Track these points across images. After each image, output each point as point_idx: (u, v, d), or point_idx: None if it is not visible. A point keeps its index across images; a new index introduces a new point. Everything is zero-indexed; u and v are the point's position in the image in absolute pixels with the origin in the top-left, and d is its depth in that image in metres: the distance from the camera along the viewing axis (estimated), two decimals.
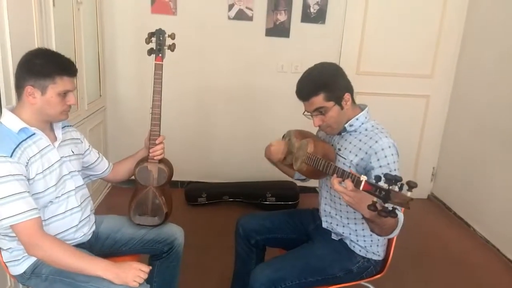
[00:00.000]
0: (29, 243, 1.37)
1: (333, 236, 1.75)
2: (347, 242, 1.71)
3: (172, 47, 1.78)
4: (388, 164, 1.52)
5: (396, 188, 1.13)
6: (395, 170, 1.51)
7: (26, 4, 1.99)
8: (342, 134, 1.68)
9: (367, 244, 1.67)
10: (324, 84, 1.58)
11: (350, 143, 1.63)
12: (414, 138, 3.65)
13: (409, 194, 1.12)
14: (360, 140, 1.61)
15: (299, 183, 1.98)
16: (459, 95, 3.47)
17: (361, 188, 1.22)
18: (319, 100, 1.58)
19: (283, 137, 1.93)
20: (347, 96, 1.60)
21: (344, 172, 1.34)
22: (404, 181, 1.13)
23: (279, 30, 3.33)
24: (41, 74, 1.41)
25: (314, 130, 1.86)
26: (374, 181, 1.18)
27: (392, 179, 1.13)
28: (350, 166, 1.59)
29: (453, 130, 3.54)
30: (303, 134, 1.79)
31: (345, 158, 1.62)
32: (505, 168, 2.87)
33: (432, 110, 3.60)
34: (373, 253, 1.68)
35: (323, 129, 1.68)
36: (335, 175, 1.36)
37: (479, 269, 2.70)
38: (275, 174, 3.57)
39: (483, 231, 3.09)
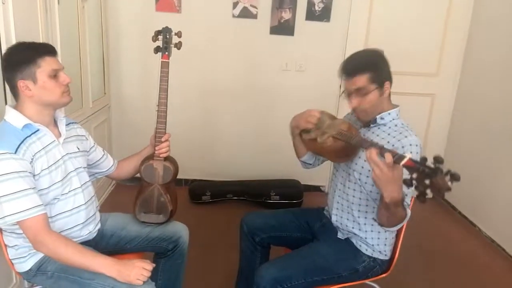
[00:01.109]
0: (35, 240, 1.37)
1: (339, 235, 1.75)
2: (354, 241, 1.70)
3: (178, 45, 1.78)
4: None
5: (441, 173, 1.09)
6: None
7: (31, 2, 1.99)
8: (371, 126, 1.66)
9: (375, 242, 1.67)
10: (373, 64, 1.58)
11: (377, 135, 1.62)
12: (419, 137, 3.60)
13: (449, 183, 1.08)
14: (389, 134, 1.60)
15: (302, 167, 1.95)
16: (465, 93, 3.45)
17: (402, 163, 1.17)
18: (363, 79, 1.56)
19: None
20: (387, 84, 1.60)
21: (383, 146, 1.30)
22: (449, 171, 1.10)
23: (283, 28, 3.32)
24: (23, 63, 1.41)
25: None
26: (419, 160, 1.15)
27: (441, 161, 1.09)
28: None
29: (459, 129, 3.52)
30: (335, 118, 1.76)
31: None
32: (511, 167, 2.85)
33: (438, 108, 3.58)
34: (380, 252, 1.68)
35: (357, 113, 1.65)
36: (372, 147, 1.30)
37: (484, 269, 2.69)
38: (279, 173, 3.59)
39: (488, 231, 3.07)
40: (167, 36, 1.76)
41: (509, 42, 2.93)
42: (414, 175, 1.14)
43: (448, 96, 3.55)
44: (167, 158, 1.78)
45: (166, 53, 1.75)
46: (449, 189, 1.08)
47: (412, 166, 1.16)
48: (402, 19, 3.34)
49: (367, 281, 1.73)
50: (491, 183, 3.05)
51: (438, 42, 3.41)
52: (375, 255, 1.68)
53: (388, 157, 1.22)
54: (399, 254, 1.73)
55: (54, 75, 1.45)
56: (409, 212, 1.48)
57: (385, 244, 1.68)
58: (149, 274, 1.42)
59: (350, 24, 3.33)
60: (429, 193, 1.13)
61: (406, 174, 1.19)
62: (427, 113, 3.59)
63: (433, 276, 2.55)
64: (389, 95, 1.66)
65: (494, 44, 3.10)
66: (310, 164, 1.91)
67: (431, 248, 2.87)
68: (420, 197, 1.12)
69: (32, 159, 1.39)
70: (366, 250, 1.68)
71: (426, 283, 2.49)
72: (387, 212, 1.40)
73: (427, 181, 1.11)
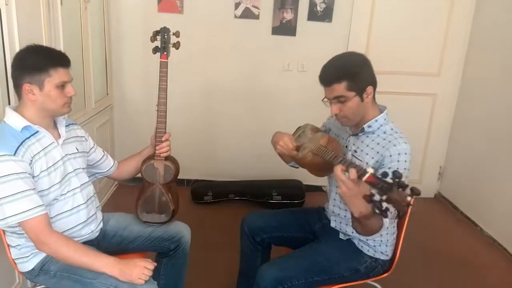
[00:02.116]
0: (37, 240, 1.38)
1: (341, 236, 1.75)
2: (355, 242, 1.70)
3: (177, 45, 1.78)
4: (398, 169, 1.50)
5: (398, 188, 1.10)
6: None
7: (34, 3, 2.00)
8: (359, 135, 1.64)
9: (376, 243, 1.67)
10: (349, 73, 1.55)
11: (367, 145, 1.60)
12: (421, 137, 3.63)
13: (409, 198, 1.08)
14: (378, 143, 1.57)
15: (294, 170, 1.96)
16: (466, 93, 3.44)
17: (364, 178, 1.19)
18: (340, 88, 1.54)
19: (297, 129, 1.89)
20: (369, 89, 1.57)
21: (351, 162, 1.32)
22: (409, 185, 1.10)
23: (285, 28, 3.33)
24: (35, 69, 1.42)
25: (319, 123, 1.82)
26: (380, 175, 1.15)
27: (399, 177, 1.10)
28: None
29: (460, 129, 3.52)
30: (318, 130, 1.77)
31: (361, 160, 1.59)
32: None
33: (439, 108, 3.58)
34: (381, 252, 1.68)
35: (339, 119, 1.64)
36: (339, 164, 1.33)
37: (486, 268, 2.68)
38: (281, 173, 3.59)
39: (490, 230, 3.07)
40: (165, 36, 1.77)
41: (510, 42, 2.92)
42: (374, 191, 1.14)
43: (450, 96, 3.54)
44: (167, 158, 1.78)
45: (165, 53, 1.76)
46: (409, 204, 1.08)
47: (373, 181, 1.16)
48: (404, 19, 3.33)
49: (368, 281, 1.73)
50: (493, 183, 3.04)
51: (440, 42, 3.41)
52: (377, 255, 1.68)
53: (352, 173, 1.24)
54: (400, 253, 1.73)
55: (61, 86, 1.46)
56: (386, 221, 1.45)
57: (386, 245, 1.68)
58: (150, 273, 1.43)
59: (352, 24, 3.33)
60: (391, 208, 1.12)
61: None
62: (429, 113, 3.59)
63: (434, 276, 2.55)
64: (373, 98, 1.63)
65: (495, 45, 3.10)
66: (297, 168, 1.90)
67: (433, 248, 2.87)
68: (382, 213, 1.12)
69: (31, 160, 1.40)
70: (368, 251, 1.68)
71: (427, 282, 2.49)
72: (359, 225, 1.40)
73: (383, 197, 1.11)
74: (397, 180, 1.10)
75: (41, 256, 1.52)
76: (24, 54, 1.47)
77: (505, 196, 2.91)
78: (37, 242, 1.39)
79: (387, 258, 1.71)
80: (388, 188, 1.11)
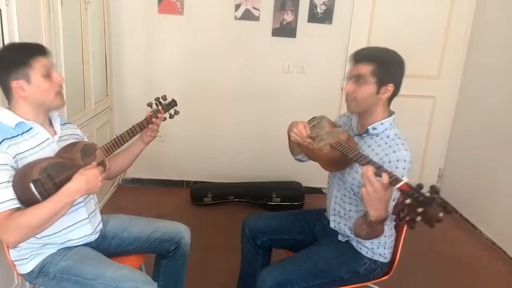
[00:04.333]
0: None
1: (340, 238, 1.75)
2: (354, 243, 1.70)
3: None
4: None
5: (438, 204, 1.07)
6: None
7: (34, 2, 2.00)
8: (363, 135, 1.63)
9: (374, 245, 1.66)
10: (382, 60, 1.54)
11: (369, 146, 1.59)
12: (420, 139, 3.63)
13: (441, 215, 1.06)
14: (379, 146, 1.56)
15: (297, 162, 1.93)
16: (466, 96, 3.45)
17: (398, 186, 1.16)
18: (366, 69, 1.53)
19: (313, 118, 1.82)
20: (390, 86, 1.55)
21: (380, 166, 1.29)
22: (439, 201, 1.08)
23: (285, 30, 3.33)
24: (17, 64, 1.41)
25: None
26: (416, 187, 1.13)
27: (437, 192, 1.08)
28: None
29: (460, 131, 3.52)
30: (336, 125, 1.74)
31: None
32: None
33: (439, 111, 3.58)
34: (380, 255, 1.67)
35: (348, 100, 1.61)
36: (370, 164, 1.29)
37: (486, 271, 2.68)
38: (281, 175, 3.59)
39: (489, 233, 3.07)
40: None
41: (510, 44, 2.93)
42: (408, 201, 1.11)
43: (450, 98, 3.55)
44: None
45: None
46: (440, 221, 1.06)
47: (407, 190, 1.14)
48: (404, 21, 3.34)
49: (368, 284, 1.73)
50: (493, 185, 3.05)
51: (440, 44, 3.42)
52: (376, 257, 1.67)
53: (385, 178, 1.22)
54: (400, 256, 1.73)
55: (47, 74, 1.45)
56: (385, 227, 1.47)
57: (384, 248, 1.67)
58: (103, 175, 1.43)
59: (352, 26, 3.33)
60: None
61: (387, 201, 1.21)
62: (428, 115, 3.59)
63: (434, 279, 2.55)
64: (389, 101, 1.61)
65: (495, 47, 3.10)
66: (304, 161, 1.90)
67: (432, 251, 2.87)
68: (410, 223, 1.11)
69: (15, 156, 1.37)
70: (367, 252, 1.67)
71: (427, 285, 2.49)
72: (368, 228, 1.39)
73: (419, 209, 1.08)
74: (436, 195, 1.08)
75: (41, 258, 1.52)
76: (2, 53, 1.47)
77: (505, 199, 2.91)
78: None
79: (386, 260, 1.71)
80: (428, 202, 1.08)
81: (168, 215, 2.45)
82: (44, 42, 2.06)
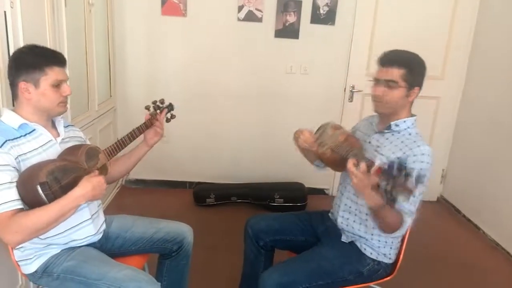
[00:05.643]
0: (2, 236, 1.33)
1: (343, 239, 1.75)
2: (358, 244, 1.71)
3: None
4: (421, 169, 1.52)
5: (403, 178, 1.20)
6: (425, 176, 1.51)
7: (39, 4, 2.01)
8: (385, 132, 1.68)
9: (381, 244, 1.67)
10: (412, 64, 1.61)
11: (391, 142, 1.64)
12: (424, 140, 3.61)
13: (411, 185, 1.18)
14: (402, 142, 1.62)
15: (315, 171, 1.96)
16: (470, 97, 3.44)
17: (372, 171, 1.30)
18: (398, 73, 1.59)
19: (320, 127, 1.84)
20: (416, 89, 1.63)
21: (363, 156, 1.40)
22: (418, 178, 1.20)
23: (288, 31, 3.33)
24: (31, 68, 1.42)
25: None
26: (387, 167, 1.24)
27: (403, 168, 1.20)
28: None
29: (463, 132, 3.51)
30: (339, 128, 1.77)
31: (382, 155, 1.62)
32: None
33: (442, 111, 3.57)
34: (384, 255, 1.68)
35: (375, 101, 1.66)
36: (352, 157, 1.42)
37: (489, 272, 2.67)
38: (284, 176, 3.60)
39: (493, 234, 3.06)
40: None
41: None
42: (382, 182, 1.27)
43: (453, 99, 3.54)
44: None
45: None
46: (411, 190, 1.19)
47: (380, 173, 1.28)
48: (407, 22, 3.34)
49: (371, 284, 1.73)
50: (496, 186, 3.04)
51: (443, 45, 3.41)
52: (380, 258, 1.68)
53: (362, 166, 1.35)
54: (403, 257, 1.73)
55: (57, 85, 1.47)
56: (408, 218, 1.52)
57: (391, 248, 1.68)
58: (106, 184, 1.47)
59: (355, 27, 3.33)
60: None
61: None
62: (432, 116, 3.59)
63: (437, 279, 2.55)
64: (412, 102, 1.67)
65: (499, 48, 3.09)
66: (323, 167, 1.91)
67: (435, 251, 2.86)
68: (389, 202, 1.24)
69: (18, 156, 1.38)
70: (371, 253, 1.68)
71: (430, 286, 2.48)
72: (378, 218, 1.47)
73: (389, 186, 1.23)
74: (403, 171, 1.19)
75: (44, 258, 1.52)
76: (21, 53, 1.48)
77: (508, 200, 2.90)
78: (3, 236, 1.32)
79: (390, 261, 1.71)
80: (393, 177, 1.21)
81: (171, 216, 2.44)
82: (48, 44, 2.07)
